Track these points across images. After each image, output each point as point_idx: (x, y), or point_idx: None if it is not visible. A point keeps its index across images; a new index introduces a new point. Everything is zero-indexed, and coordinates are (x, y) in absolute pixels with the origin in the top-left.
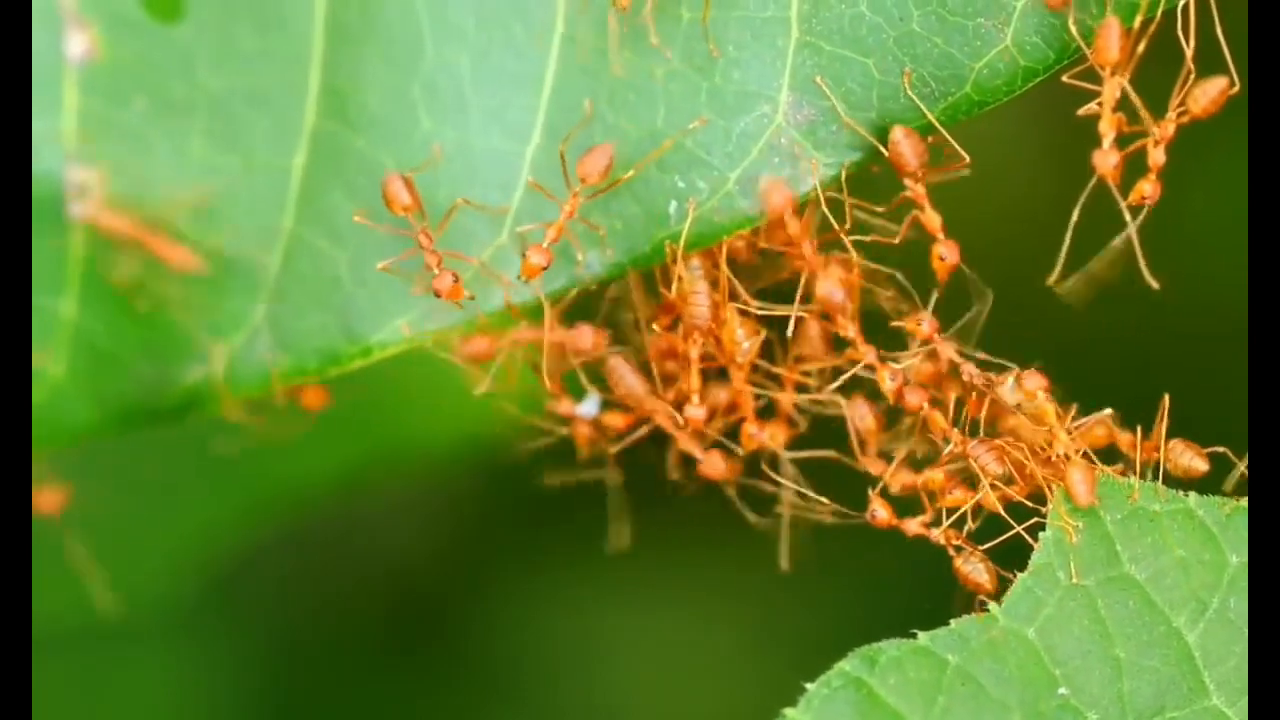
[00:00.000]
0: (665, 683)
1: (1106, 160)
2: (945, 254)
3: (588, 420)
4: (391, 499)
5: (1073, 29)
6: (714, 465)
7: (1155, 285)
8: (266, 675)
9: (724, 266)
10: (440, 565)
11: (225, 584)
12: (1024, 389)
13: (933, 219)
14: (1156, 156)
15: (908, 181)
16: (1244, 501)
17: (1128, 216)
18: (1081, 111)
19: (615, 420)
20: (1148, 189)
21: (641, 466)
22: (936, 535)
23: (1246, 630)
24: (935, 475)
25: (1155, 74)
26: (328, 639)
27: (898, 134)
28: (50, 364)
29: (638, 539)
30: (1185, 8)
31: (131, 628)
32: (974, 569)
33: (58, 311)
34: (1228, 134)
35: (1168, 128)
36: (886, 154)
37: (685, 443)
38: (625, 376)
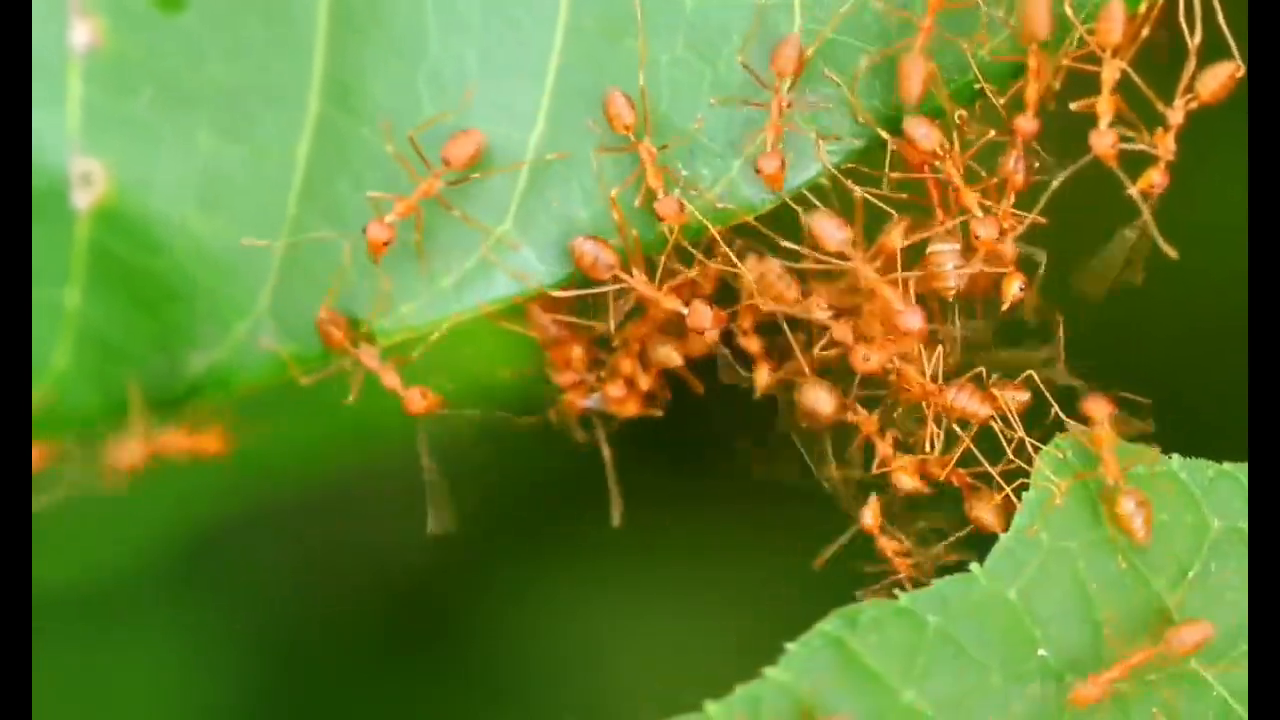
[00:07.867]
0: (665, 683)
1: (1103, 140)
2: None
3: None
4: (393, 500)
5: (1069, 12)
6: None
7: (1173, 254)
8: (267, 677)
9: (723, 250)
10: (441, 565)
11: (224, 584)
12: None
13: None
14: (1167, 144)
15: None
16: (1227, 465)
17: (1142, 205)
18: (1075, 106)
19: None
20: (1156, 177)
21: (641, 468)
22: (939, 473)
23: (1225, 594)
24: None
25: (1153, 73)
26: (327, 639)
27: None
28: (54, 354)
29: (639, 540)
30: None
31: (124, 618)
32: (984, 512)
33: (61, 302)
34: (1227, 130)
35: (1178, 114)
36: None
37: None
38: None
